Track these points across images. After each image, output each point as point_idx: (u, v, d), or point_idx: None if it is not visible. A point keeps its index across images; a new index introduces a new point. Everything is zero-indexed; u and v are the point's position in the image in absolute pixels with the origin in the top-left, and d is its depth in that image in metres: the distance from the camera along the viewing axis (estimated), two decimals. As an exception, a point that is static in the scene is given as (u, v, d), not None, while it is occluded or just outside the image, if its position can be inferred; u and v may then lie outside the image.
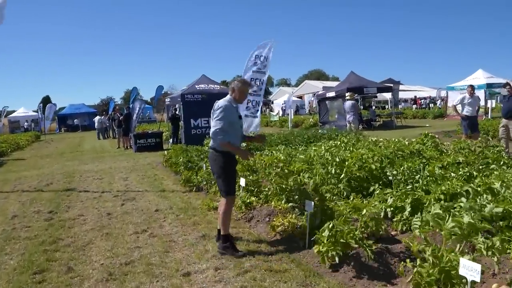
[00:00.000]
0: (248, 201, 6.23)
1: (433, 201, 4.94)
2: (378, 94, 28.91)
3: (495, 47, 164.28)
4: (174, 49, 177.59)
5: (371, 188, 5.93)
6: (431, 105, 40.52)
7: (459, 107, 11.25)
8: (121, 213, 6.90)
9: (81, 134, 38.55)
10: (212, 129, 4.69)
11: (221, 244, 4.83)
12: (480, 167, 6.13)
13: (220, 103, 4.79)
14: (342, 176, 6.05)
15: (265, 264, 4.32)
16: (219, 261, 4.51)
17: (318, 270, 4.16)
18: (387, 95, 41.47)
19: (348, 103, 15.11)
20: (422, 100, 42.65)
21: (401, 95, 44.09)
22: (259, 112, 15.21)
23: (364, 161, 6.24)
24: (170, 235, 5.55)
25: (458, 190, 4.95)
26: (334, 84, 51.36)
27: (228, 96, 4.89)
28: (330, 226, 4.22)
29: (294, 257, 4.49)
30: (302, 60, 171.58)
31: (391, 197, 5.43)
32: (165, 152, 12.49)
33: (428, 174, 5.68)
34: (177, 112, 19.32)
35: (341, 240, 4.08)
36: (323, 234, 4.20)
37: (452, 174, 5.67)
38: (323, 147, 6.63)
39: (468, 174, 5.74)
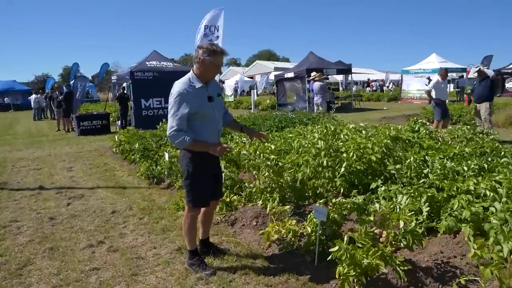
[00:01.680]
0: (229, 200, 5.18)
1: (460, 203, 4.13)
2: (329, 76, 28.56)
3: (449, 32, 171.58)
4: (117, 22, 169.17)
5: (374, 184, 5.05)
6: (384, 88, 41.00)
7: (433, 92, 10.71)
8: (67, 216, 5.57)
9: (13, 114, 34.99)
10: (167, 130, 3.46)
11: (187, 260, 3.83)
12: (489, 159, 5.44)
13: (174, 87, 3.46)
14: (342, 169, 5.12)
15: (270, 292, 3.32)
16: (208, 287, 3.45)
17: (339, 299, 3.22)
18: (338, 77, 41.46)
19: (316, 84, 14.25)
20: (374, 83, 43.04)
21: (353, 77, 44.20)
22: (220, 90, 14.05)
23: (362, 151, 5.34)
24: (135, 248, 4.37)
25: (485, 191, 4.18)
26: (285, 65, 50.68)
27: (189, 74, 3.51)
28: (347, 240, 3.28)
29: (305, 280, 3.51)
30: (250, 41, 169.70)
31: (401, 195, 4.58)
32: (116, 136, 11.03)
33: (439, 167, 4.88)
34: (125, 92, 17.65)
35: (366, 262, 3.14)
36: (340, 252, 3.24)
37: (465, 168, 4.92)
38: (316, 134, 5.65)
39: (478, 167, 5.04)
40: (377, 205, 3.87)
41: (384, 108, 23.32)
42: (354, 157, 5.19)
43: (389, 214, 3.46)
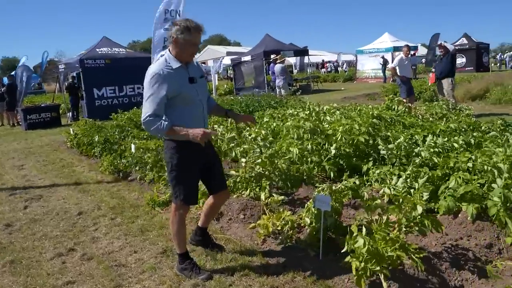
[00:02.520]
0: (211, 192, 4.74)
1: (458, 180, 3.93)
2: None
3: (400, 11, 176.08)
4: (57, 9, 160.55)
5: (365, 167, 4.80)
6: (339, 68, 41.37)
7: (398, 69, 10.64)
8: (26, 221, 4.93)
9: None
10: (142, 117, 3.02)
11: (177, 264, 3.40)
12: (474, 134, 5.33)
13: (149, 69, 3.07)
14: (332, 152, 4.81)
15: (278, 294, 2.97)
16: (207, 295, 3.04)
17: (355, 295, 2.92)
18: (291, 60, 41.42)
19: (278, 67, 13.90)
20: (328, 64, 43.30)
21: (307, 59, 44.34)
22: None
23: (350, 133, 5.06)
24: (113, 254, 3.87)
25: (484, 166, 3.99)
26: (237, 49, 49.91)
27: (165, 55, 3.10)
28: (365, 232, 2.97)
29: (313, 278, 3.18)
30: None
31: (395, 177, 4.36)
32: (71, 129, 10.19)
33: (432, 145, 4.68)
34: (75, 81, 16.54)
35: (388, 253, 2.85)
36: (357, 245, 2.92)
37: (455, 145, 4.76)
38: (301, 115, 5.30)
39: (465, 143, 4.90)
40: (387, 189, 3.58)
41: (342, 89, 23.40)
42: (343, 140, 4.90)
43: (402, 198, 3.17)
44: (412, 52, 29.83)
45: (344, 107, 7.41)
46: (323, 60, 45.36)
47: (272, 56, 15.37)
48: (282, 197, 4.39)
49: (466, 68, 27.62)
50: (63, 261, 3.80)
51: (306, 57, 27.83)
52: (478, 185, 3.77)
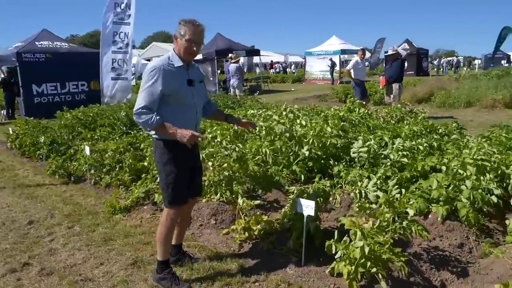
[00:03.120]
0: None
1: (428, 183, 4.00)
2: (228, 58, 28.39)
3: (347, 15, 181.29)
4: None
5: (336, 169, 4.78)
6: (288, 69, 41.87)
7: (352, 72, 10.85)
8: (-31, 233, 4.44)
9: None
10: (134, 108, 2.89)
11: (155, 274, 3.18)
12: (435, 136, 5.51)
13: (150, 63, 3.05)
14: (306, 153, 4.74)
15: (265, 304, 2.84)
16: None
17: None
18: (240, 60, 41.41)
19: (232, 66, 13.72)
20: (277, 65, 43.67)
21: (256, 59, 44.46)
22: (129, 73, 12.87)
23: (321, 136, 5.03)
24: (76, 267, 3.54)
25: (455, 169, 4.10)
26: (184, 47, 49.09)
27: (170, 52, 3.04)
28: (359, 235, 2.92)
29: (299, 283, 3.08)
30: (144, 21, 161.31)
31: (368, 179, 4.37)
32: (10, 129, 9.42)
33: (401, 147, 4.75)
34: (11, 76, 15.35)
35: (382, 256, 2.82)
36: (353, 248, 2.86)
37: (421, 147, 4.87)
38: (275, 118, 5.18)
39: (429, 146, 5.04)
40: (380, 193, 3.58)
41: (292, 90, 23.63)
42: (316, 143, 4.85)
43: (390, 203, 3.15)
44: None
45: (309, 109, 7.42)
46: (271, 61, 45.70)
47: (230, 55, 15.17)
48: (258, 201, 4.28)
49: (408, 72, 28.95)
50: (17, 277, 3.41)
51: (254, 57, 27.86)
52: (446, 186, 3.87)
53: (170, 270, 3.13)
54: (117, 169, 5.63)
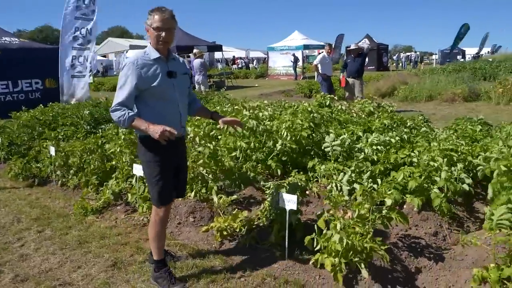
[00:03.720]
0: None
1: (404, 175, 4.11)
2: (191, 54, 28.06)
3: (309, 11, 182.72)
4: None
5: (310, 163, 4.82)
6: (250, 65, 41.85)
7: (320, 67, 10.96)
8: None
9: None
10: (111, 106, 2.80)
11: (152, 273, 3.13)
12: (404, 129, 5.67)
13: (126, 59, 2.91)
14: (278, 147, 4.74)
15: (253, 300, 2.83)
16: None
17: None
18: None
19: (196, 62, 13.53)
20: (239, 60, 43.57)
21: (218, 55, 44.18)
22: (88, 71, 12.45)
23: (293, 130, 5.06)
24: (52, 272, 3.40)
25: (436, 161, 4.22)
26: (141, 42, 48.05)
27: (148, 45, 2.94)
28: (340, 227, 2.96)
29: (283, 278, 3.10)
30: (98, 16, 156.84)
31: (341, 173, 4.44)
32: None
33: (376, 142, 4.84)
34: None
35: (363, 246, 2.87)
36: (333, 240, 2.90)
37: (392, 141, 4.99)
38: (246, 113, 5.13)
39: (400, 139, 5.18)
40: (356, 185, 3.63)
41: (256, 85, 23.66)
42: (289, 137, 4.87)
43: (368, 194, 3.21)
44: (321, 51, 31.42)
45: (278, 104, 7.44)
46: (233, 56, 45.54)
47: (194, 51, 14.93)
48: (235, 196, 4.24)
49: (369, 68, 29.64)
50: (-10, 286, 3.26)
51: (215, 53, 27.63)
52: (419, 178, 3.99)
53: (167, 269, 3.09)
54: (85, 170, 5.44)
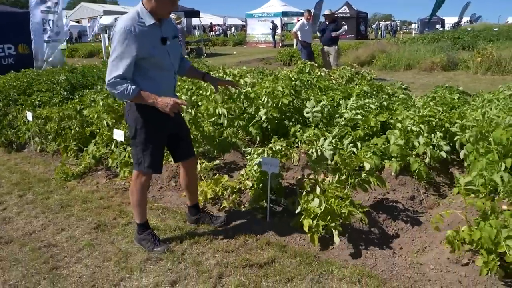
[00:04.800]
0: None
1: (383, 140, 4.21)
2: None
3: None
4: None
5: (292, 129, 4.88)
6: (228, 32, 41.11)
7: (299, 34, 10.85)
8: None
9: None
10: (106, 77, 2.66)
11: (136, 235, 3.18)
12: (384, 96, 5.75)
13: (117, 23, 2.63)
14: (262, 116, 4.77)
15: (236, 258, 2.93)
16: (164, 268, 2.86)
17: (309, 251, 3.02)
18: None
19: (175, 28, 13.22)
20: (217, 27, 42.72)
21: (195, 22, 43.21)
22: (62, 35, 12.06)
23: (273, 96, 5.08)
24: (36, 234, 3.42)
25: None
26: (115, 8, 46.58)
27: (137, 7, 2.69)
28: (320, 191, 3.06)
29: (265, 239, 3.20)
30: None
31: (324, 138, 4.51)
32: None
33: (355, 106, 4.92)
34: None
35: (341, 211, 2.98)
36: (312, 204, 3.00)
37: (372, 106, 5.07)
38: (228, 79, 5.11)
39: (379, 105, 5.27)
40: (336, 150, 3.70)
41: (234, 53, 23.38)
42: (270, 103, 4.89)
43: (348, 158, 3.30)
44: (300, 18, 31.09)
45: (258, 72, 7.41)
46: (211, 23, 44.61)
47: (172, 16, 14.57)
48: (217, 161, 4.29)
49: (347, 36, 29.52)
50: (-26, 248, 3.25)
51: (193, 20, 27.05)
52: (398, 144, 4.09)
53: (150, 231, 3.13)
54: (64, 136, 5.37)
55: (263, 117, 4.75)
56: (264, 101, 4.90)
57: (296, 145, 4.82)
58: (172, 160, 3.35)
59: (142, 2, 2.69)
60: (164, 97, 2.66)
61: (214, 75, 4.20)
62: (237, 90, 4.93)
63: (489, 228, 2.53)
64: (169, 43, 2.81)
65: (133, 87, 2.61)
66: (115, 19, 23.47)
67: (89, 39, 45.51)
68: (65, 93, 7.73)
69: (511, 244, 2.39)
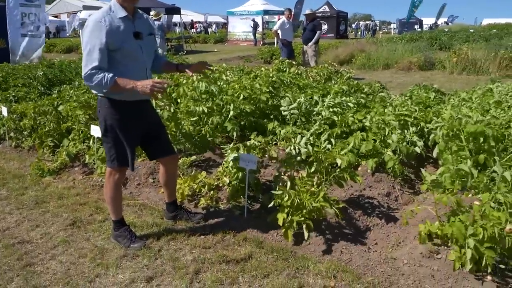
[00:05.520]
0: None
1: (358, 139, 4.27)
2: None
3: None
4: None
5: (270, 125, 4.90)
6: (209, 29, 40.88)
7: (280, 33, 10.88)
8: None
9: None
10: (82, 71, 2.65)
11: (112, 232, 3.16)
12: (362, 95, 5.84)
13: (90, 17, 2.66)
14: (230, 113, 4.77)
15: (213, 255, 2.94)
16: (140, 264, 2.85)
17: (285, 247, 3.05)
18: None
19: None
20: (198, 25, 42.45)
21: (176, 18, 42.81)
22: (42, 29, 11.85)
23: (250, 92, 5.10)
24: (9, 231, 3.35)
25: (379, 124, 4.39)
26: (94, 3, 45.92)
27: (112, 1, 2.73)
28: (289, 186, 3.10)
29: (242, 235, 3.21)
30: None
31: (301, 136, 4.56)
32: None
33: (332, 104, 4.97)
34: None
35: (312, 205, 3.01)
36: (285, 200, 3.03)
37: (350, 105, 5.14)
38: (195, 77, 5.06)
39: (357, 103, 5.34)
40: (309, 147, 3.73)
41: (215, 50, 23.30)
42: (242, 97, 4.90)
43: (322, 154, 3.34)
44: (280, 17, 31.17)
45: (238, 69, 7.42)
46: (192, 20, 44.32)
47: (152, 13, 14.39)
48: (194, 157, 4.29)
49: (328, 35, 29.79)
50: None
51: (174, 16, 26.86)
52: (373, 141, 4.16)
53: (126, 228, 3.11)
54: (41, 132, 5.28)
55: (231, 112, 4.74)
56: (234, 95, 4.91)
57: (274, 142, 4.86)
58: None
59: None
60: (143, 80, 2.64)
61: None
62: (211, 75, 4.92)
63: (459, 223, 2.60)
64: (143, 38, 2.80)
65: (110, 75, 2.60)
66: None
67: (67, 34, 44.73)
68: (42, 88, 7.62)
69: (471, 243, 2.46)
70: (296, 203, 2.98)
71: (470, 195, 3.08)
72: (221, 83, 5.45)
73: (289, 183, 3.12)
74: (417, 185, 4.04)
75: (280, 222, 3.01)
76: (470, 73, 11.96)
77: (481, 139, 3.41)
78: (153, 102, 4.83)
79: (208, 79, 4.94)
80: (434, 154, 3.84)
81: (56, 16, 51.46)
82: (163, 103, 4.63)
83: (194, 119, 4.72)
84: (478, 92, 5.41)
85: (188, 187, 3.76)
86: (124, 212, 3.36)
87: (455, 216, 2.68)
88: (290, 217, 3.00)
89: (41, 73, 8.02)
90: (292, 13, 11.40)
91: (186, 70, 3.11)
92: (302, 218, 2.98)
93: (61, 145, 5.01)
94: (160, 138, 3.13)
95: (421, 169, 3.40)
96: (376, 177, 3.92)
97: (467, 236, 2.49)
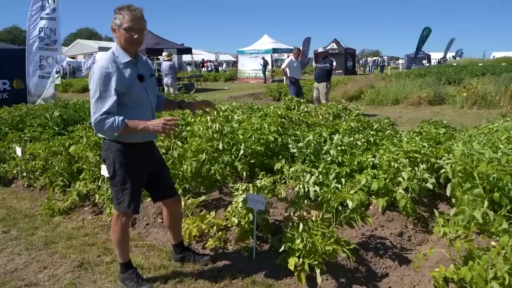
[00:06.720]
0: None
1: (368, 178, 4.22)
2: (160, 57, 27.83)
3: (278, 15, 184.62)
4: None
5: (278, 165, 4.89)
6: (219, 68, 41.76)
7: (288, 71, 11.07)
8: None
9: None
10: (92, 118, 2.67)
11: (119, 274, 3.12)
12: (371, 132, 5.82)
13: (96, 64, 2.71)
14: (240, 152, 4.78)
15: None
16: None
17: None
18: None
19: (165, 64, 13.43)
20: (209, 63, 43.42)
21: (187, 58, 43.99)
22: (54, 72, 12.19)
23: (260, 132, 5.13)
24: (18, 272, 3.33)
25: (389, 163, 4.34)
26: (110, 44, 47.46)
27: (113, 47, 2.80)
28: (301, 228, 3.05)
29: (251, 278, 3.14)
30: (65, 18, 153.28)
31: (309, 174, 4.52)
32: None
33: (339, 143, 4.96)
34: None
35: (328, 248, 2.95)
36: (296, 242, 2.98)
37: (359, 143, 5.11)
38: (208, 117, 5.12)
39: (366, 141, 5.31)
40: (317, 187, 3.69)
41: (225, 88, 23.67)
42: (253, 138, 4.93)
43: (331, 195, 3.31)
44: (290, 55, 31.77)
45: (247, 107, 7.49)
46: (203, 59, 45.36)
47: (164, 54, 14.78)
48: (203, 197, 4.27)
49: (336, 72, 30.11)
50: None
51: (184, 56, 27.54)
52: (384, 180, 4.10)
53: (133, 271, 3.07)
54: (51, 172, 5.33)
55: (241, 152, 4.76)
56: (246, 136, 4.93)
57: (283, 181, 4.83)
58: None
59: (116, 42, 2.78)
60: (153, 120, 2.70)
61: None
62: (215, 113, 4.98)
63: (479, 267, 2.50)
64: (146, 80, 2.87)
65: (121, 118, 2.63)
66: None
67: (83, 74, 46.03)
68: (57, 128, 7.75)
69: (496, 286, 2.37)
70: (308, 246, 2.93)
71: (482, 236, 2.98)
72: (233, 123, 5.49)
73: (301, 226, 3.07)
74: (431, 224, 3.92)
75: (292, 267, 2.94)
76: (481, 107, 11.91)
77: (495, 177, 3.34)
78: (158, 141, 4.91)
79: (210, 117, 4.99)
80: (448, 193, 3.77)
81: (73, 57, 53.36)
82: (172, 141, 4.67)
83: (204, 157, 4.73)
84: (489, 127, 5.35)
85: (196, 228, 3.72)
86: (131, 253, 3.35)
87: (472, 260, 2.58)
88: (301, 259, 2.94)
89: (57, 114, 8.19)
90: (301, 51, 11.59)
91: (189, 108, 3.17)
92: (316, 262, 2.92)
93: (71, 185, 5.05)
94: (164, 178, 3.15)
95: (434, 210, 3.32)
96: (387, 216, 3.84)
97: (489, 280, 2.39)
